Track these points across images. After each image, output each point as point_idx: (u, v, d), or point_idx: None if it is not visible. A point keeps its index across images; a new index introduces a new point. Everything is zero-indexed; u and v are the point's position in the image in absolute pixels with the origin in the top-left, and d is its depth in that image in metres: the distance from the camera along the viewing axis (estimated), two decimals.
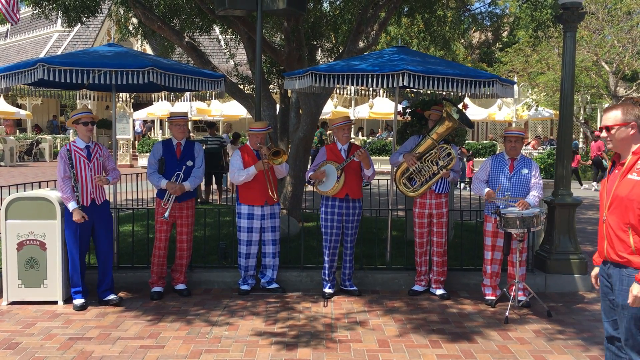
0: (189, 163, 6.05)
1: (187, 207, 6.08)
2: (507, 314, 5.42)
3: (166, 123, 6.31)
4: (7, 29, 35.26)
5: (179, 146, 6.06)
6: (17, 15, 7.74)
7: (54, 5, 8.38)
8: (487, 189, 5.78)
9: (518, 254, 5.64)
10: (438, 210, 6.07)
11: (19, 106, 30.31)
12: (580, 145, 23.32)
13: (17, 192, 6.12)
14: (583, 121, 22.60)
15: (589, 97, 22.69)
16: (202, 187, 11.91)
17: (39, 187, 6.90)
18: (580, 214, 11.59)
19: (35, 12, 8.97)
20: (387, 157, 16.08)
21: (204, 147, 11.59)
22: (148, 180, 6.10)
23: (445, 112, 5.84)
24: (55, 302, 5.74)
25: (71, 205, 5.52)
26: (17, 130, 28.31)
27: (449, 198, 6.29)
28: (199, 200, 11.56)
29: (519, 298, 5.74)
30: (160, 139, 23.44)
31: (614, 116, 3.30)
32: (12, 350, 4.58)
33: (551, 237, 6.60)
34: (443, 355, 4.60)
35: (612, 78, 20.42)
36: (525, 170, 5.79)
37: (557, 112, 12.60)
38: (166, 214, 5.85)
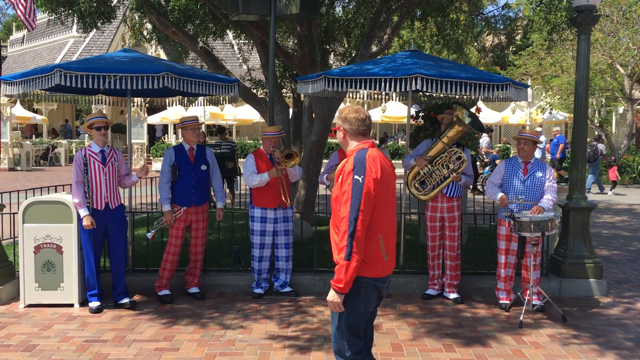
0: (203, 167, 6.10)
1: (202, 210, 6.12)
2: (521, 318, 5.40)
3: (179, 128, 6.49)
4: (24, 35, 35.77)
5: (191, 151, 6.10)
6: (35, 21, 7.85)
7: (70, 11, 8.48)
8: (500, 194, 5.76)
9: (532, 258, 5.62)
10: (450, 214, 6.06)
11: (35, 111, 30.71)
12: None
13: (33, 196, 6.19)
14: (598, 124, 22.38)
15: (603, 100, 22.48)
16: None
17: (55, 191, 6.98)
18: (595, 218, 11.49)
19: (51, 18, 9.09)
20: (400, 161, 16.05)
21: (216, 152, 11.73)
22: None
23: (456, 116, 5.84)
24: (72, 305, 5.80)
25: (82, 212, 5.59)
26: (34, 135, 28.67)
27: (462, 202, 6.28)
28: (212, 204, 11.60)
29: (534, 302, 5.71)
30: (174, 143, 23.63)
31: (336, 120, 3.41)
32: (29, 353, 4.64)
33: (566, 241, 6.56)
34: None
35: (627, 81, 20.22)
36: (540, 174, 5.76)
37: (572, 116, 12.50)
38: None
